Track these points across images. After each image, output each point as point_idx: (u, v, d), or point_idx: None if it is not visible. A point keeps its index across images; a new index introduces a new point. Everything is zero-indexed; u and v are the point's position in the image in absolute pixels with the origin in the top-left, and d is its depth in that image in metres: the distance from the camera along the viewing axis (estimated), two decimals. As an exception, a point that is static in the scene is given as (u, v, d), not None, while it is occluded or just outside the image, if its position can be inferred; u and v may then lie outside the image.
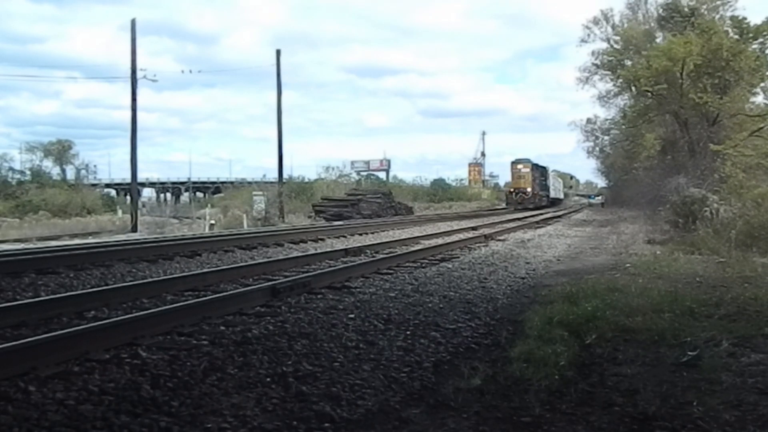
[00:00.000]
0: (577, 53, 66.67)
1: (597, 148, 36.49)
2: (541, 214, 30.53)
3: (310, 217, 27.23)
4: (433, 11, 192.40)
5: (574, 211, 40.06)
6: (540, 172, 46.06)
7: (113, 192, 63.52)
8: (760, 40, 22.93)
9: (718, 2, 25.37)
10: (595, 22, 29.25)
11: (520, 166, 42.89)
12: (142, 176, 48.07)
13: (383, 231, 16.95)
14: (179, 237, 14.97)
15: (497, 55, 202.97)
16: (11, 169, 49.54)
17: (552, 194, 52.33)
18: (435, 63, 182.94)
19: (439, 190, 57.62)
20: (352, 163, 62.30)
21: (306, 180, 41.97)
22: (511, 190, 43.50)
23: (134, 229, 23.13)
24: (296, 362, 3.83)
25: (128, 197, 35.80)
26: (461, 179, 73.20)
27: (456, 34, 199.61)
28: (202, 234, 17.66)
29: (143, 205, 43.50)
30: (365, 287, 6.80)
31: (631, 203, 30.47)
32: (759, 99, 26.01)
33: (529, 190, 41.50)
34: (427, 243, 12.63)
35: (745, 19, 23.05)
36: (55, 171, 55.00)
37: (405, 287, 6.84)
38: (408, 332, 4.67)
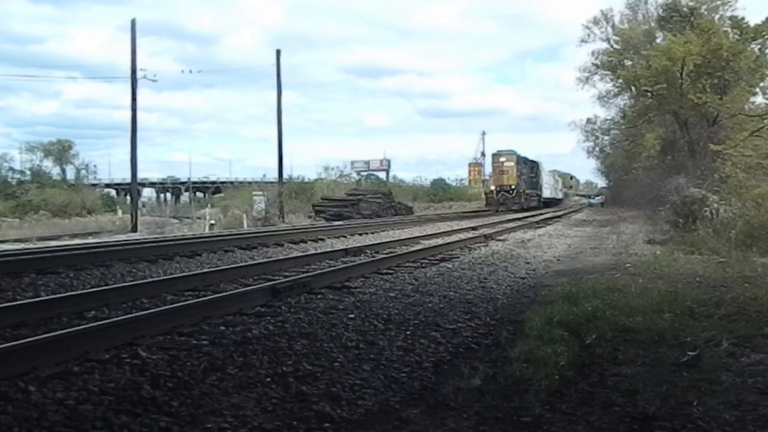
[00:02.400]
0: (576, 54, 66.84)
1: (597, 148, 36.67)
2: (541, 214, 30.45)
3: (310, 217, 27.23)
4: (432, 12, 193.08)
5: (574, 211, 39.97)
6: (529, 167, 39.80)
7: (113, 192, 63.54)
8: (760, 40, 22.94)
9: (718, 2, 25.39)
10: (595, 22, 29.34)
11: (502, 159, 36.11)
12: (142, 176, 48.12)
13: (383, 231, 16.94)
14: (179, 237, 14.97)
15: (496, 55, 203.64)
16: (11, 169, 49.66)
17: (546, 194, 46.11)
18: (434, 63, 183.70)
19: (439, 190, 57.55)
20: (352, 163, 62.31)
21: (306, 180, 42.01)
22: (492, 188, 36.31)
23: (134, 229, 23.12)
24: (296, 362, 3.83)
25: (128, 197, 35.80)
26: (461, 179, 73.17)
27: (454, 35, 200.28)
28: (202, 234, 17.66)
29: (143, 205, 43.50)
30: (365, 287, 6.80)
31: (631, 203, 30.45)
32: (759, 99, 26.07)
33: (513, 187, 34.98)
34: (427, 243, 12.63)
35: (743, 19, 23.08)
36: (55, 171, 55.13)
37: (405, 287, 6.84)
38: (408, 332, 4.67)
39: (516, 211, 31.79)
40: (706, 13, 25.28)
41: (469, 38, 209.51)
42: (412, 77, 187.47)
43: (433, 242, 12.80)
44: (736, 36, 22.84)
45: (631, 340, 4.40)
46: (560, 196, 60.75)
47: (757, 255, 9.11)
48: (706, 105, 22.54)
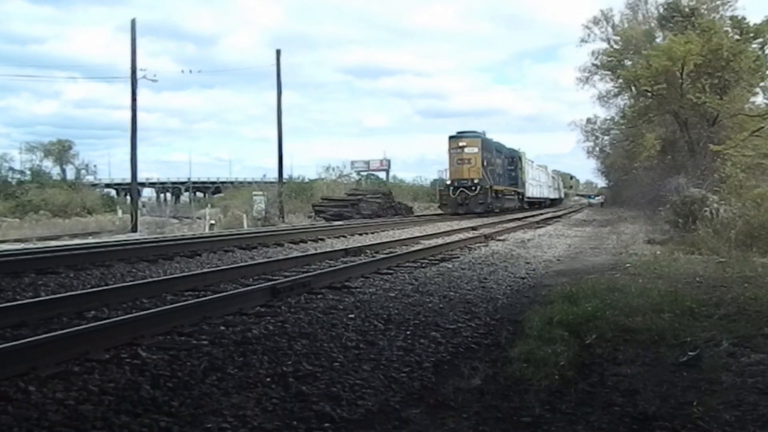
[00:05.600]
0: (574, 54, 67.02)
1: (597, 148, 36.57)
2: (541, 214, 30.42)
3: (310, 217, 27.23)
4: (430, 12, 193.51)
5: (574, 211, 39.97)
6: (505, 158, 31.75)
7: (113, 192, 63.55)
8: (760, 40, 22.95)
9: (718, 2, 25.39)
10: (595, 22, 29.32)
11: (462, 144, 26.56)
12: (142, 176, 48.21)
13: (383, 231, 16.94)
14: (179, 237, 14.97)
15: (494, 56, 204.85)
16: (11, 169, 49.62)
17: (532, 193, 38.99)
18: (432, 64, 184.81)
19: (439, 190, 57.27)
20: (352, 163, 62.13)
21: (306, 180, 41.95)
22: (449, 182, 26.87)
23: (134, 229, 23.12)
24: (296, 362, 3.83)
25: (128, 197, 35.80)
26: (461, 179, 72.86)
27: (452, 35, 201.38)
28: (202, 234, 17.65)
29: (143, 205, 43.49)
30: (365, 287, 6.79)
31: (631, 203, 30.47)
32: (759, 99, 26.09)
33: (476, 182, 25.90)
34: (427, 243, 12.63)
35: (744, 19, 23.10)
36: (55, 171, 55.09)
37: (405, 287, 6.83)
38: (408, 332, 4.67)
39: (478, 214, 24.65)
40: (706, 12, 25.29)
41: (467, 39, 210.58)
42: (410, 77, 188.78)
43: (433, 242, 12.80)
44: (736, 36, 22.85)
45: (631, 340, 4.39)
46: (556, 195, 58.42)
47: (757, 255, 9.11)
48: (706, 105, 22.55)
